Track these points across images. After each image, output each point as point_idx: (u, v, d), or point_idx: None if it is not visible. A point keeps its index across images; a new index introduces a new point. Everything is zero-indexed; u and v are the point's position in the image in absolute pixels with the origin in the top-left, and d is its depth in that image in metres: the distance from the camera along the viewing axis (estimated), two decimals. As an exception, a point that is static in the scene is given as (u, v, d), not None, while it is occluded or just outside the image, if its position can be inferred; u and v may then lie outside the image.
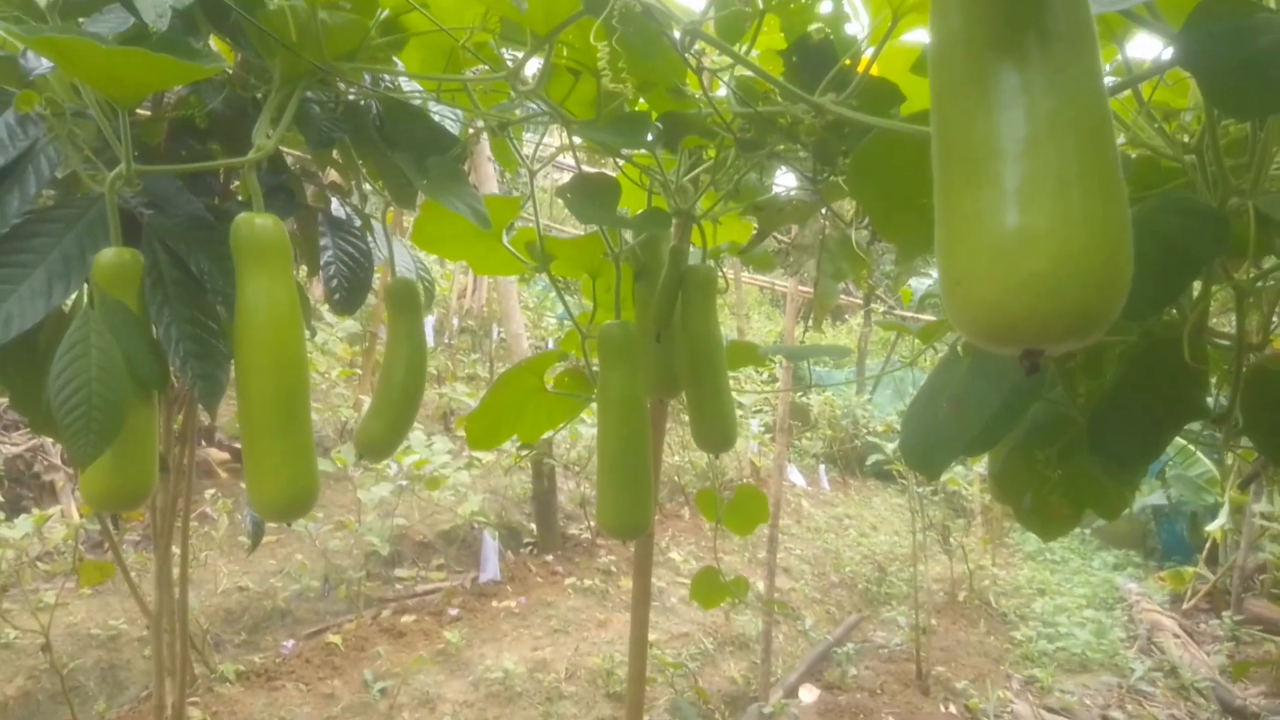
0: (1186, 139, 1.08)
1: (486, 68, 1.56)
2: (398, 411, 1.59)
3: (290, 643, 4.82)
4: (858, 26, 1.37)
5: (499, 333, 8.30)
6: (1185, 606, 7.47)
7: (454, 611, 5.33)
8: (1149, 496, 9.19)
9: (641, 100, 1.54)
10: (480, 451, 5.37)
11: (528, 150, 1.75)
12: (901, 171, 1.21)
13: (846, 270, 2.58)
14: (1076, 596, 7.61)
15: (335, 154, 1.67)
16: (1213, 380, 1.25)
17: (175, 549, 1.95)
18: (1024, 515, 1.45)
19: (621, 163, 1.75)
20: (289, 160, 1.71)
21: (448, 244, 1.85)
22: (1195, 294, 1.10)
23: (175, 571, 1.98)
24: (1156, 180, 1.22)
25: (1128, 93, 1.14)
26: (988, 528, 8.44)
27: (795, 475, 9.87)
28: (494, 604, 5.50)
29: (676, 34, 1.18)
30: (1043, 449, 1.22)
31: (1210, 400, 1.19)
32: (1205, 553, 7.85)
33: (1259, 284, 1.17)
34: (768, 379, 9.86)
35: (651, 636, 5.22)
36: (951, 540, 7.18)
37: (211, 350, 1.24)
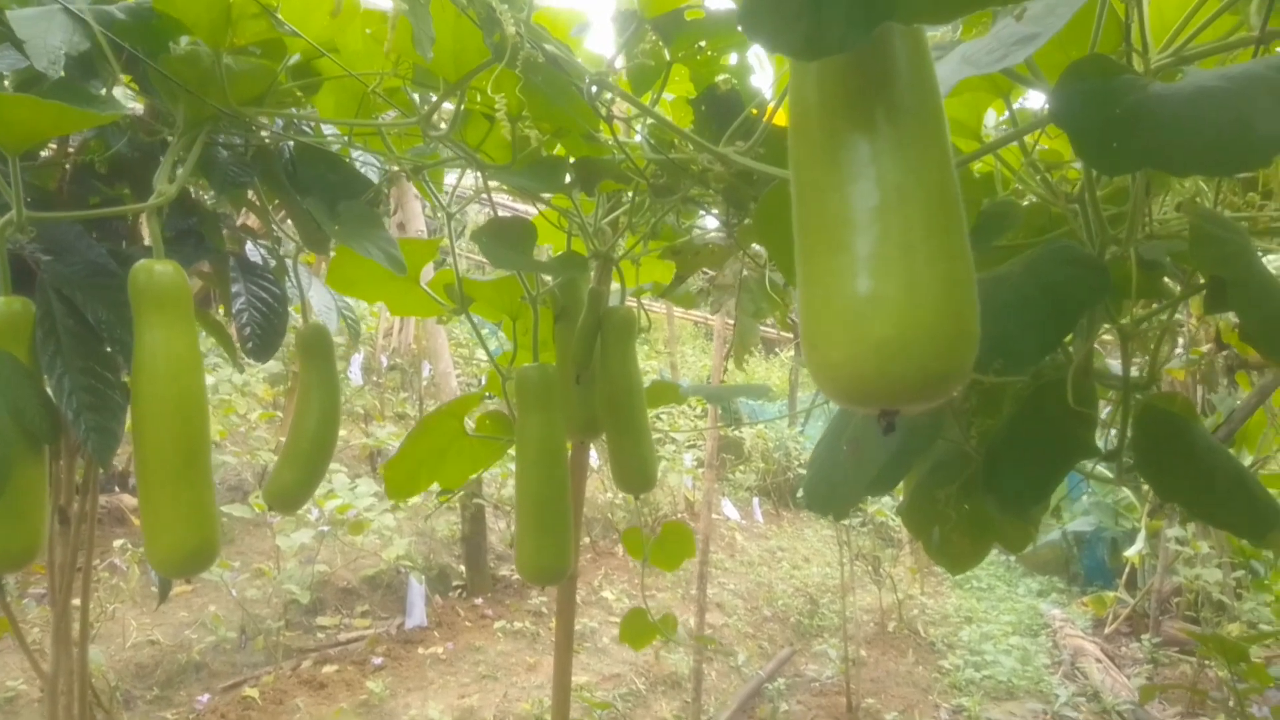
0: (1070, 189, 1.14)
1: (400, 113, 1.56)
2: (309, 461, 1.56)
3: (205, 697, 4.62)
4: (764, 78, 1.42)
5: (430, 370, 8.20)
6: (1107, 630, 7.66)
7: (378, 660, 5.18)
8: (1071, 523, 9.47)
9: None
10: (400, 500, 5.27)
11: (449, 191, 1.76)
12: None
13: (765, 309, 2.63)
14: (1002, 624, 7.76)
15: (252, 197, 1.65)
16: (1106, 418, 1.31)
17: (77, 602, 1.86)
18: (933, 549, 1.49)
19: (542, 206, 1.76)
20: (208, 202, 1.68)
21: (363, 286, 1.83)
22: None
23: (76, 627, 1.88)
24: (1049, 226, 1.28)
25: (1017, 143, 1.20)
26: (916, 557, 8.58)
27: (729, 509, 9.90)
28: (420, 651, 5.37)
29: (586, 83, 1.20)
30: (943, 487, 1.25)
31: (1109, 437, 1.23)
32: (1125, 577, 8.09)
33: (1142, 326, 1.23)
34: (700, 413, 9.93)
35: (582, 678, 5.16)
36: (881, 570, 7.27)
37: (106, 401, 1.20)
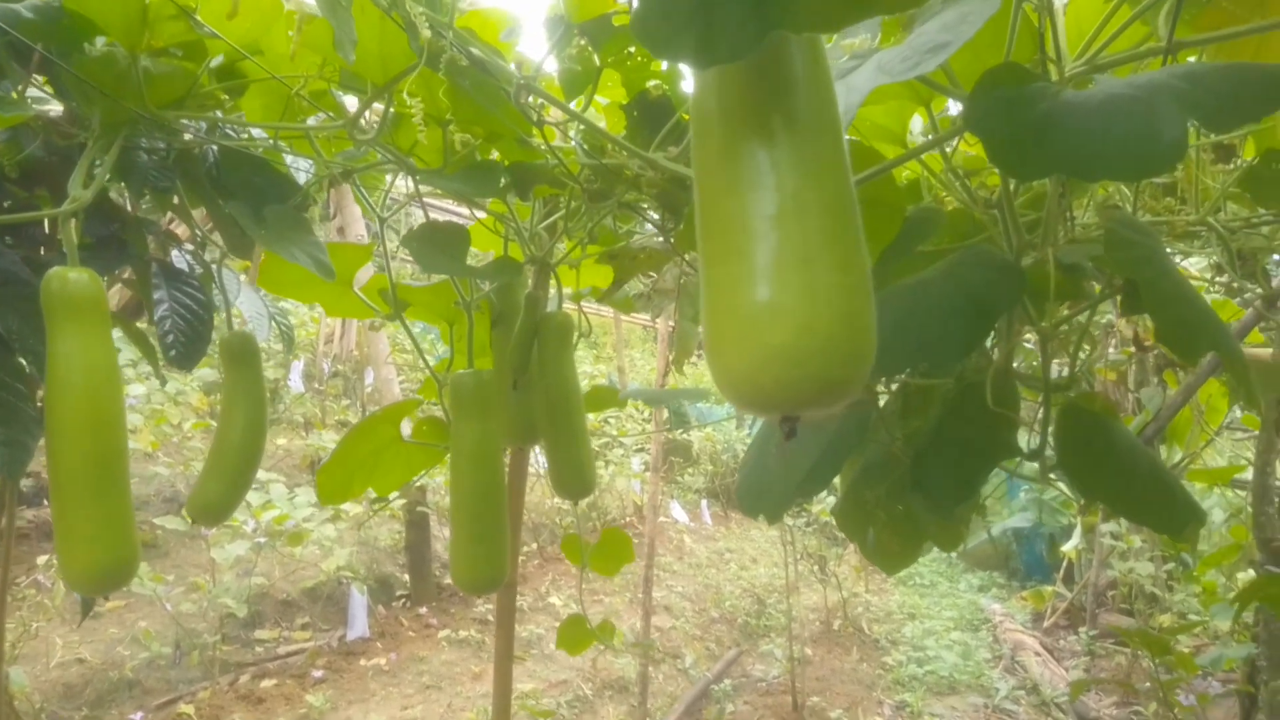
0: (990, 195, 1.16)
1: (329, 116, 1.53)
2: (234, 473, 1.52)
3: (138, 716, 4.48)
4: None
5: (373, 377, 8.07)
6: (1046, 624, 7.84)
7: (318, 673, 5.08)
8: (1010, 519, 9.68)
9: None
10: (333, 505, 5.17)
11: (389, 194, 1.74)
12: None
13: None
14: (944, 619, 7.90)
15: (178, 202, 1.61)
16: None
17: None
18: (868, 550, 1.50)
19: (481, 212, 1.75)
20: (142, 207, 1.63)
21: (296, 288, 1.80)
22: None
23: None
24: (973, 231, 1.30)
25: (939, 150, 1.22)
26: (860, 556, 8.68)
27: (678, 511, 9.94)
28: (362, 662, 5.28)
29: (513, 88, 1.19)
30: (872, 489, 1.27)
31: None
32: (1062, 572, 8.29)
33: (1062, 328, 1.26)
34: (648, 417, 9.94)
35: (528, 685, 5.12)
36: (827, 569, 7.35)
37: (17, 414, 1.16)
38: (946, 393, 1.21)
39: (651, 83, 1.41)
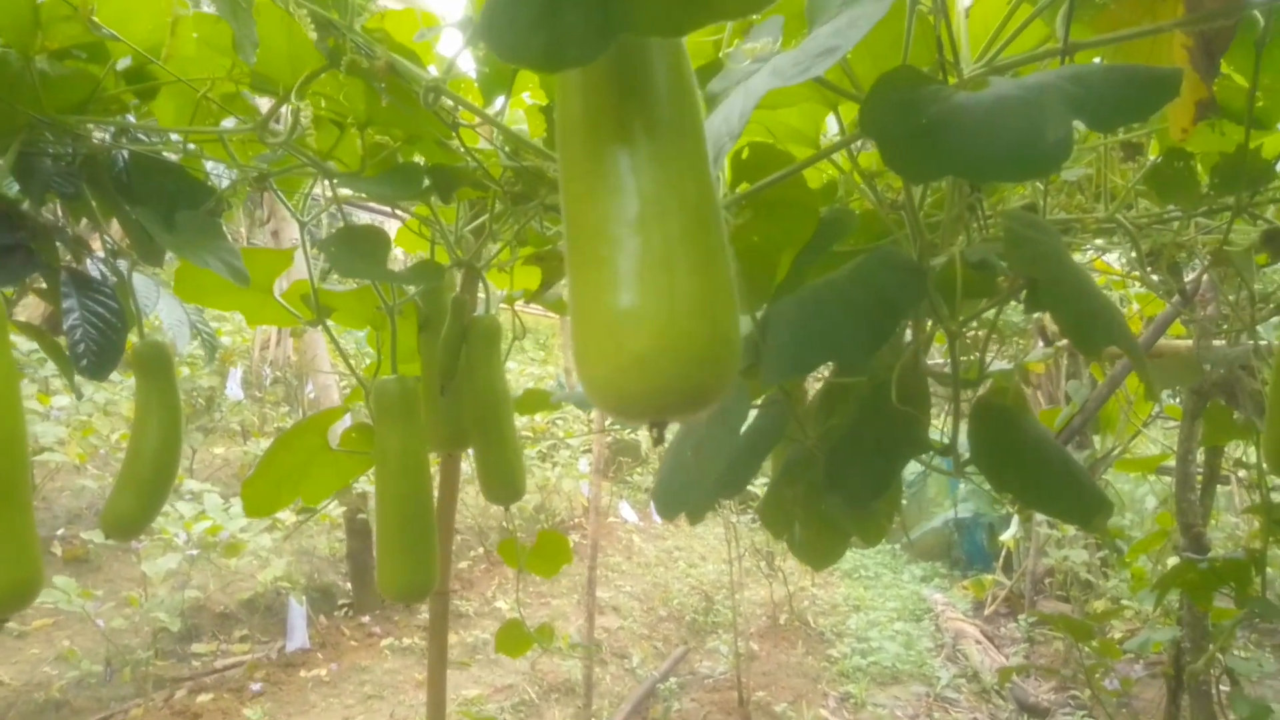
0: (895, 196, 1.18)
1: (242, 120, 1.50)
2: (148, 487, 1.48)
3: (68, 737, 4.35)
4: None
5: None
6: (986, 612, 8.02)
7: (257, 686, 4.97)
8: (950, 510, 9.87)
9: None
10: (261, 517, 5.04)
11: (315, 199, 1.71)
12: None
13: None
14: (888, 610, 8.02)
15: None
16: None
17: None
18: (795, 546, 1.52)
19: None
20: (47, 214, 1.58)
21: (213, 295, 1.76)
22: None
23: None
24: (883, 232, 1.33)
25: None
26: (802, 551, 8.76)
27: (627, 511, 9.95)
28: (302, 673, 5.18)
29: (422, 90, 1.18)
30: (792, 487, 1.28)
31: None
32: (1002, 561, 8.48)
33: (972, 325, 1.29)
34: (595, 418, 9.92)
35: (473, 691, 5.08)
36: (774, 564, 7.42)
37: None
38: (861, 391, 1.23)
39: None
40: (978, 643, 6.92)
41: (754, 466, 1.19)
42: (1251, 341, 2.09)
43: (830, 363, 1.02)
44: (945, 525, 9.81)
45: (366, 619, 6.03)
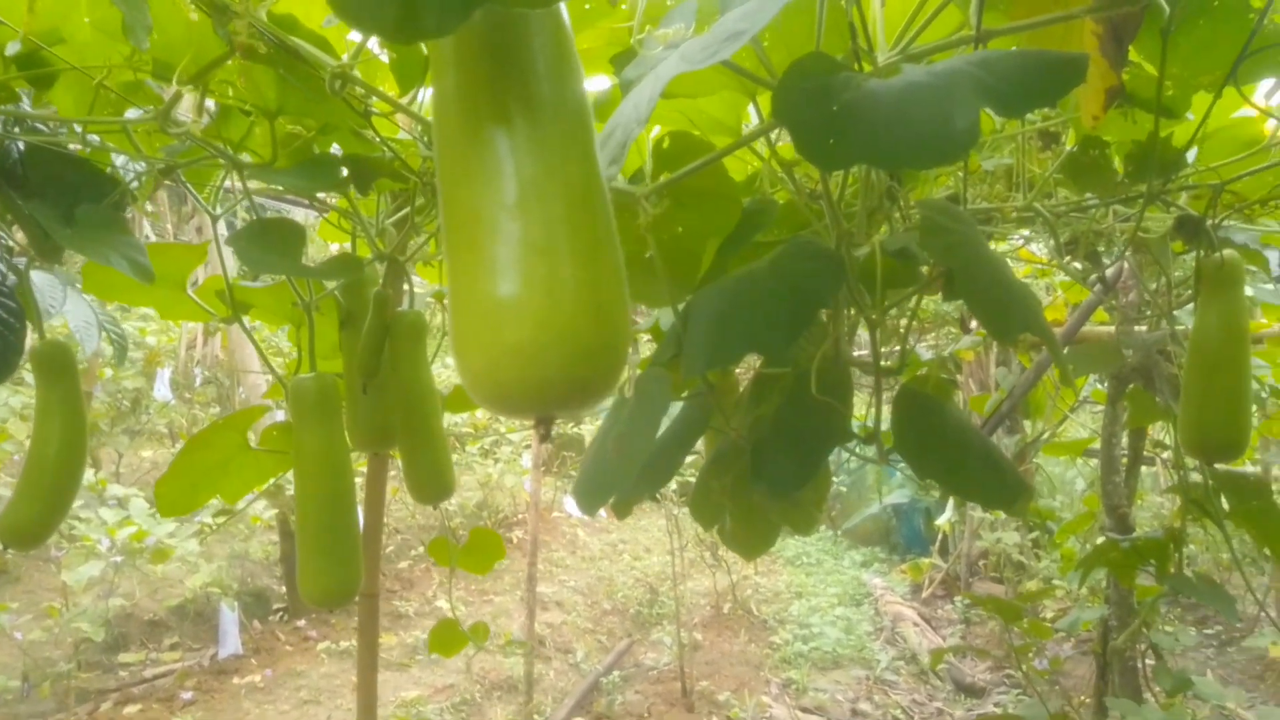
0: (815, 185, 1.17)
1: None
2: (51, 495, 1.42)
3: (-17, 756, 4.16)
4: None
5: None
6: (924, 595, 8.17)
7: (187, 695, 4.82)
8: (890, 495, 10.03)
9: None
10: (176, 517, 4.87)
11: (221, 189, 1.64)
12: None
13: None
14: (829, 596, 8.12)
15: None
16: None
17: None
18: (726, 537, 1.51)
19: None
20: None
21: (124, 291, 1.70)
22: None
23: None
24: (806, 222, 1.32)
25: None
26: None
27: (571, 506, 9.89)
28: (235, 681, 5.04)
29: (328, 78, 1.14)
30: (719, 479, 1.27)
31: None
32: (938, 544, 8.65)
33: (892, 313, 1.29)
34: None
35: (413, 692, 5.01)
36: (718, 554, 7.45)
37: None
38: (785, 380, 1.22)
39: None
40: (915, 625, 7.06)
41: (679, 459, 1.18)
42: (1168, 328, 2.14)
43: (749, 354, 1.01)
44: (884, 511, 9.97)
45: (302, 623, 5.90)
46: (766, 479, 1.13)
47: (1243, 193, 1.60)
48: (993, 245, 2.67)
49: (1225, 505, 1.87)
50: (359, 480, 1.78)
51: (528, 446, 9.70)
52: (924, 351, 4.14)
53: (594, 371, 0.51)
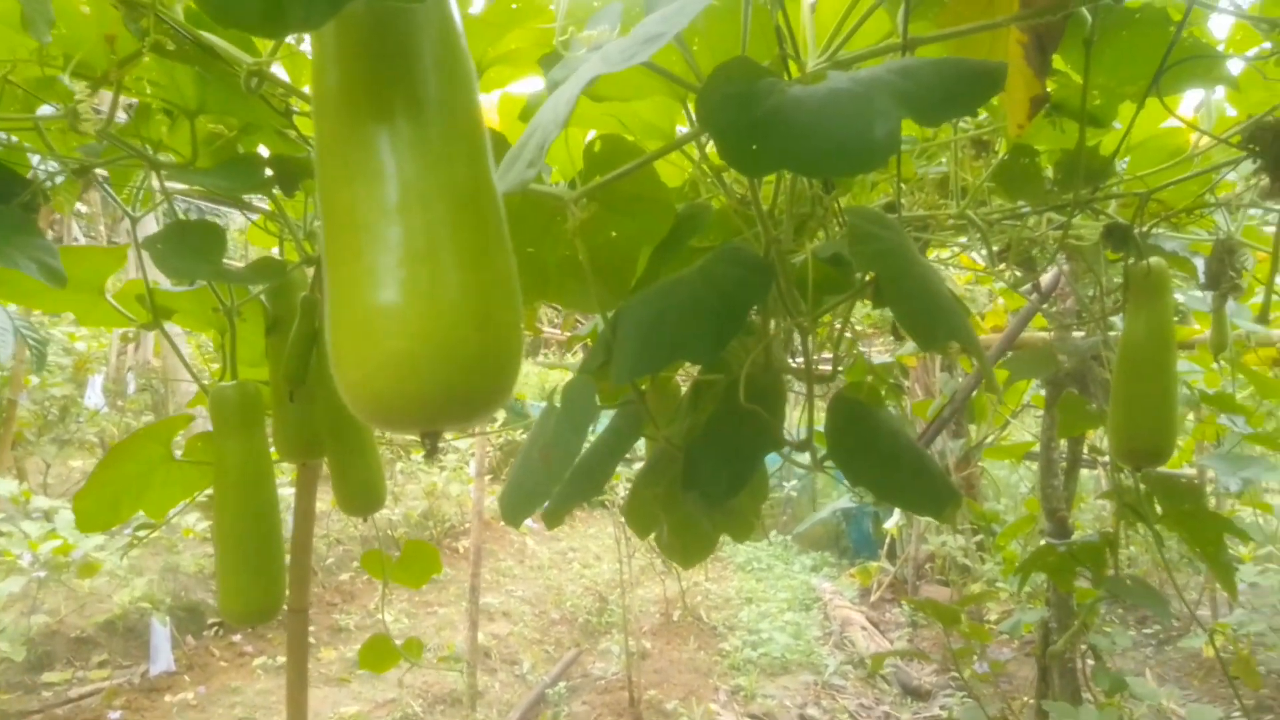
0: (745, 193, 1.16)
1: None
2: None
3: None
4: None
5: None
6: (872, 599, 8.25)
7: (115, 715, 4.64)
8: (839, 500, 10.11)
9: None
10: (97, 532, 4.68)
11: (142, 190, 1.59)
12: (512, 218, 1.20)
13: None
14: (779, 601, 8.15)
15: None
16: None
17: None
18: (663, 545, 1.50)
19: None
20: None
21: (38, 295, 1.63)
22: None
23: None
24: (742, 227, 1.31)
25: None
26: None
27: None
28: (167, 698, 4.87)
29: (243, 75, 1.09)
30: (651, 488, 1.25)
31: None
32: (886, 548, 8.75)
33: (828, 320, 1.29)
34: (491, 422, 9.71)
35: (353, 709, 4.90)
36: (667, 561, 7.42)
37: None
38: (718, 387, 1.21)
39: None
40: (863, 629, 7.12)
41: (611, 467, 1.16)
42: (1101, 334, 2.18)
43: (677, 361, 1.00)
44: (834, 515, 10.04)
45: (238, 638, 5.73)
46: (698, 487, 1.12)
47: (1169, 201, 1.63)
48: (932, 253, 2.70)
49: (1159, 509, 1.90)
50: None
51: (474, 454, 9.60)
52: (878, 357, 4.19)
53: (479, 383, 0.48)
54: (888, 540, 8.81)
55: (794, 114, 0.79)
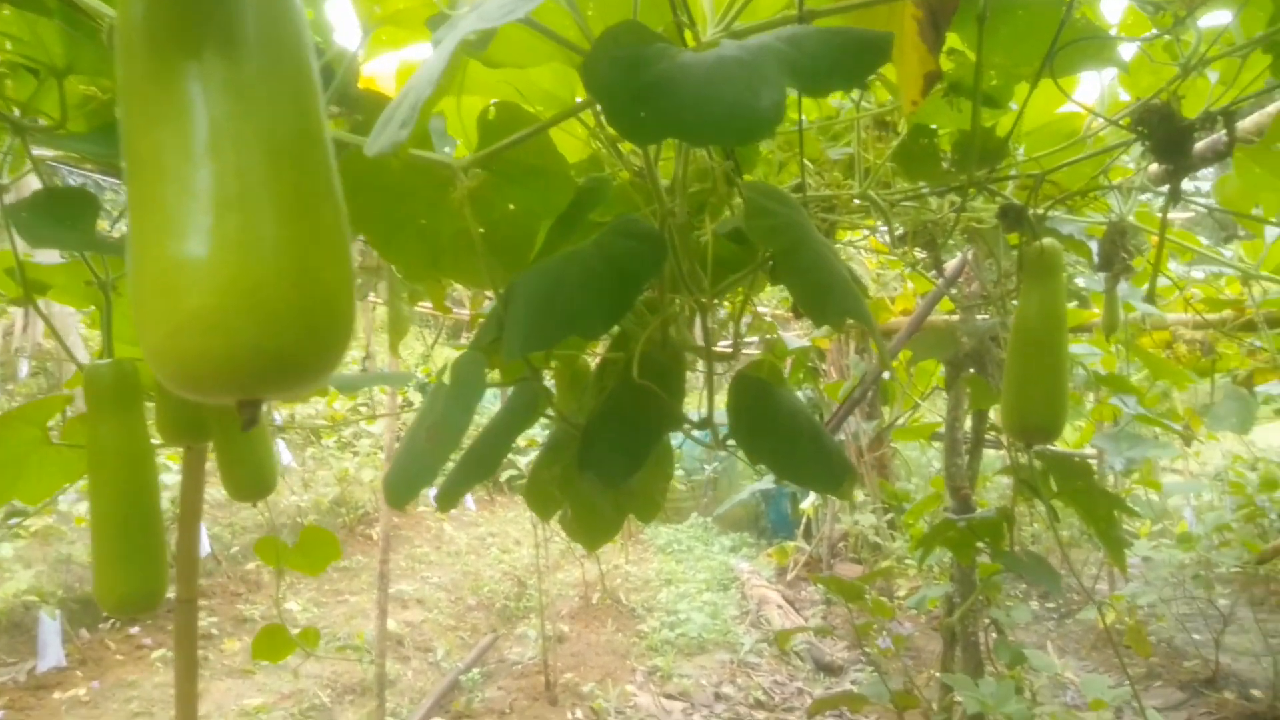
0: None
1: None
2: None
3: None
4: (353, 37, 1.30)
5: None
6: (789, 578, 8.41)
7: (-1, 715, 4.42)
8: (758, 482, 10.25)
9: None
10: None
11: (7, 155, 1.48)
12: (398, 189, 1.16)
13: (422, 291, 2.50)
14: (698, 582, 8.24)
15: None
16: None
17: None
18: (568, 526, 1.47)
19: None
20: None
21: (-110, 272, 1.51)
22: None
23: None
24: (641, 203, 1.29)
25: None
26: (623, 527, 8.85)
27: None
28: (56, 695, 4.64)
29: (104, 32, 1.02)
30: (549, 469, 1.23)
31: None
32: (803, 527, 8.93)
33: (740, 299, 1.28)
34: (404, 404, 9.55)
35: (257, 700, 4.76)
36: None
37: None
38: (618, 365, 1.19)
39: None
40: (779, 607, 7.25)
41: (505, 447, 1.13)
42: (1000, 315, 2.23)
43: (569, 336, 0.97)
44: (753, 496, 10.18)
45: (135, 630, 5.50)
46: (594, 467, 1.10)
47: (1064, 184, 1.67)
48: (845, 235, 2.72)
49: (1055, 486, 1.95)
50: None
51: (386, 438, 9.41)
52: (792, 340, 4.22)
53: (298, 343, 0.44)
54: (804, 520, 8.99)
55: (682, 81, 0.77)
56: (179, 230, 0.41)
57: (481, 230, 1.22)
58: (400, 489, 0.97)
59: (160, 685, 4.89)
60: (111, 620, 5.58)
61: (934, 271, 2.51)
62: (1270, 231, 2.35)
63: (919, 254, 2.34)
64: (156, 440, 1.56)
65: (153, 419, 1.56)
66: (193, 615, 1.81)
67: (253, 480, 1.57)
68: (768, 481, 10.16)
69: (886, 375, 3.76)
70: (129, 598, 1.34)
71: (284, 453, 8.34)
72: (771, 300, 4.67)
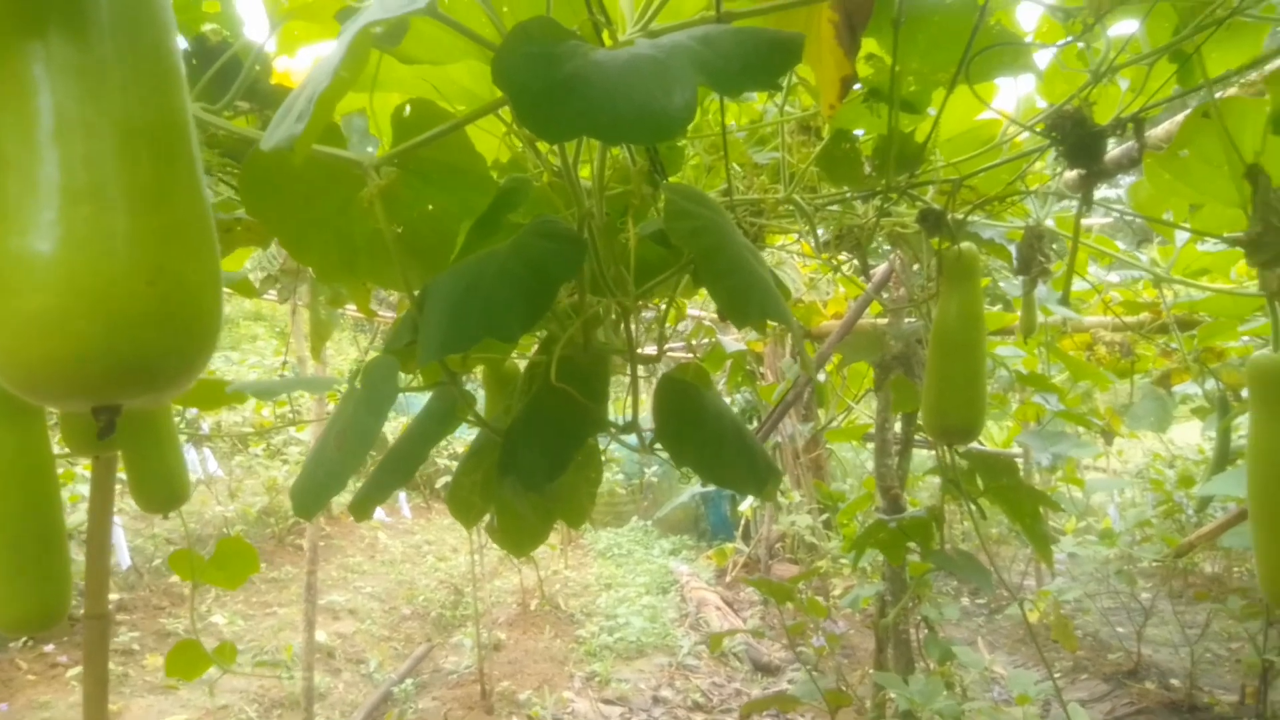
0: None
1: None
2: None
3: None
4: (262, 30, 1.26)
5: None
6: (728, 579, 8.45)
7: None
8: (697, 485, 10.30)
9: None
10: None
11: None
12: (307, 187, 1.12)
13: (346, 294, 2.44)
14: (637, 586, 8.22)
15: None
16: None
17: None
18: (493, 533, 1.45)
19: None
20: None
21: None
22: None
23: None
24: (560, 205, 1.27)
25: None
26: (561, 533, 8.81)
27: (377, 510, 9.48)
28: (-39, 721, 4.44)
29: None
30: (471, 474, 1.20)
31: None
32: (742, 529, 8.99)
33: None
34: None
35: (180, 717, 4.61)
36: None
37: None
38: (540, 368, 1.17)
39: (208, 26, 1.23)
40: (718, 609, 7.28)
41: (422, 454, 1.10)
42: (922, 319, 2.27)
43: (485, 338, 0.95)
44: (693, 499, 10.23)
45: (50, 647, 5.27)
46: (515, 472, 1.08)
47: (982, 189, 1.70)
48: (777, 240, 2.74)
49: (981, 484, 1.98)
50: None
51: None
52: (730, 343, 4.24)
53: (154, 346, 0.41)
54: (743, 522, 9.05)
55: (595, 78, 0.76)
56: (20, 224, 0.38)
57: (400, 231, 1.19)
58: (307, 498, 0.93)
59: (75, 705, 4.69)
60: (24, 639, 5.34)
61: (862, 275, 2.54)
62: (1180, 236, 2.44)
63: (846, 258, 2.37)
64: (62, 450, 1.50)
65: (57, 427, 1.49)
66: (104, 632, 1.73)
67: (163, 491, 1.52)
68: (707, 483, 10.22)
69: (819, 378, 3.80)
70: (24, 617, 1.28)
71: (210, 461, 8.10)
72: (710, 304, 4.70)
